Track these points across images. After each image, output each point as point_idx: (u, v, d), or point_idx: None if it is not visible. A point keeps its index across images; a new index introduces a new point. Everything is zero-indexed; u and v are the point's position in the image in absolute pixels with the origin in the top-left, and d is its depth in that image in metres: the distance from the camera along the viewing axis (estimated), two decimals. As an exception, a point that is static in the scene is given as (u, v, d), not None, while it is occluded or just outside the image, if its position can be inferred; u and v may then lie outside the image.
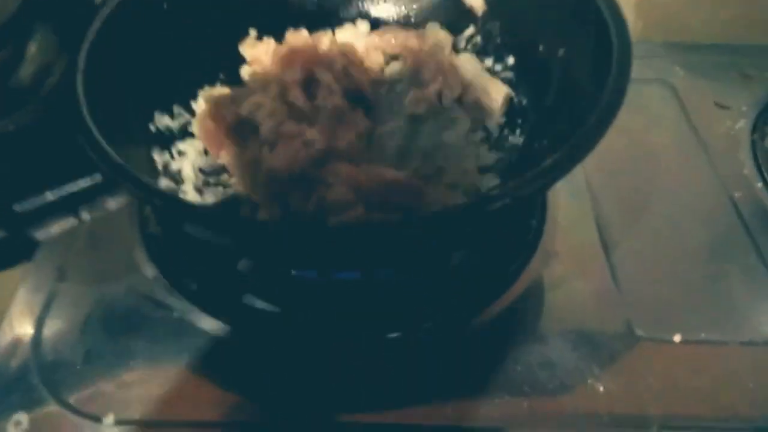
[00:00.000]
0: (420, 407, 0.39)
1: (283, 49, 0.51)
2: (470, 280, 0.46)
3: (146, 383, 0.41)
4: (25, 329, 0.44)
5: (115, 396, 0.40)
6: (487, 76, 0.52)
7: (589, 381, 0.40)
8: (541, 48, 0.48)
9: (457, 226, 0.34)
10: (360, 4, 0.58)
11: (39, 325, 0.44)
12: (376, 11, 0.58)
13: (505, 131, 0.50)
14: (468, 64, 0.52)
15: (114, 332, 0.44)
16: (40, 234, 0.42)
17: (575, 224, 0.49)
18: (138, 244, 0.49)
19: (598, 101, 0.37)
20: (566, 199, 0.50)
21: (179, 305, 0.45)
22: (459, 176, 0.46)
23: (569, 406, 0.39)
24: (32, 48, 0.51)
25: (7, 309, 0.45)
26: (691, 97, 0.59)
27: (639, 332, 0.42)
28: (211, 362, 0.42)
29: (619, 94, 0.36)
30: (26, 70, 0.50)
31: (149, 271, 0.47)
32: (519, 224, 0.48)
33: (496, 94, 0.49)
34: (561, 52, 0.46)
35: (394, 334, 0.43)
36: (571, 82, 0.44)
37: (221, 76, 0.54)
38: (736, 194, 0.51)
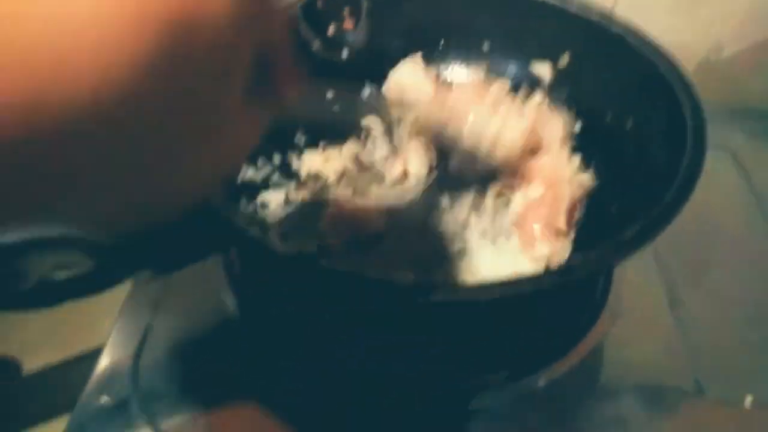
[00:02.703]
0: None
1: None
2: (542, 334, 0.47)
3: (237, 420, 0.43)
4: (125, 359, 0.47)
5: (207, 429, 0.43)
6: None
7: (659, 440, 0.41)
8: (608, 118, 0.51)
9: (534, 294, 0.35)
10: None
11: (137, 355, 0.47)
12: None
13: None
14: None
15: (204, 366, 0.47)
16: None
17: (641, 284, 0.50)
18: (224, 283, 0.52)
19: (674, 175, 0.39)
20: (632, 259, 0.51)
21: (264, 345, 0.48)
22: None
23: (640, 464, 0.40)
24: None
25: (108, 339, 0.48)
26: (752, 162, 0.61)
27: (709, 393, 0.43)
28: (299, 404, 0.45)
29: (696, 168, 0.39)
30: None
31: (233, 308, 0.50)
32: (587, 283, 0.50)
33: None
34: (629, 123, 0.49)
35: (462, 386, 0.45)
36: (641, 152, 0.47)
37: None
38: (799, 260, 0.52)
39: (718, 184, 0.59)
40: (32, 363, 0.70)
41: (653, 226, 0.36)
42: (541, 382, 0.44)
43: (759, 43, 0.68)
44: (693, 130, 0.40)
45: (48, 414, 0.53)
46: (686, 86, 0.43)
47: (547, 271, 0.36)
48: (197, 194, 0.23)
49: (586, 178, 0.50)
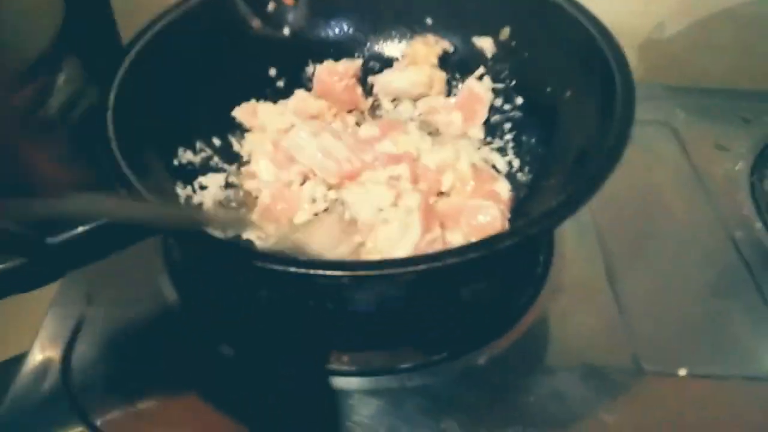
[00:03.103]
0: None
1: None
2: (482, 312, 0.47)
3: (171, 409, 0.42)
4: (55, 353, 0.45)
5: (142, 420, 0.42)
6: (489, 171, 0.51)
7: (598, 413, 0.41)
8: (548, 90, 0.51)
9: (466, 264, 0.34)
10: (372, 46, 0.61)
11: (68, 349, 0.45)
12: (389, 51, 0.61)
13: (514, 168, 0.52)
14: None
15: (139, 357, 0.45)
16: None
17: (582, 259, 0.50)
18: (161, 270, 0.50)
19: (602, 146, 0.39)
20: (573, 234, 0.52)
21: (201, 331, 0.47)
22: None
23: (579, 438, 0.40)
24: (61, 80, 0.53)
25: (37, 333, 0.46)
26: (692, 138, 0.62)
27: (645, 366, 0.44)
28: (236, 391, 0.44)
29: (622, 140, 0.38)
30: (55, 101, 0.53)
31: (172, 296, 0.49)
32: (527, 259, 0.50)
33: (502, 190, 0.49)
34: (568, 94, 0.49)
35: (406, 365, 0.44)
36: (577, 123, 0.47)
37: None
38: (737, 234, 0.52)
39: (659, 160, 0.59)
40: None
41: (578, 195, 0.35)
42: (482, 359, 0.44)
43: (699, 21, 0.68)
44: (623, 99, 0.40)
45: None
46: (618, 55, 0.43)
47: (473, 243, 0.35)
48: None
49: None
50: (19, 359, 0.46)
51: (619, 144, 0.37)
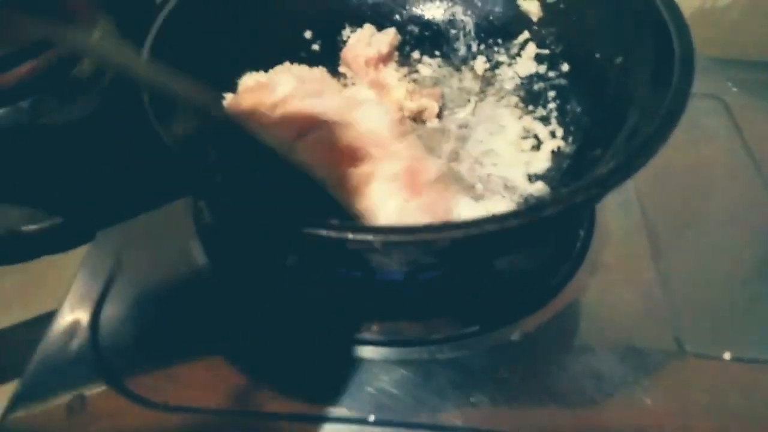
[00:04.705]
0: (464, 412, 0.39)
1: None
2: (517, 287, 0.46)
3: (198, 371, 0.42)
4: (84, 312, 0.45)
5: (168, 381, 0.41)
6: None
7: (636, 394, 0.39)
8: (597, 56, 0.49)
9: (506, 232, 0.33)
10: (411, 8, 0.59)
11: (97, 309, 0.45)
12: (429, 14, 0.59)
13: (557, 138, 0.50)
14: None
15: (167, 319, 0.45)
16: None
17: (625, 236, 0.48)
18: (192, 234, 0.50)
19: (657, 109, 0.37)
20: (615, 210, 0.50)
21: (231, 296, 0.46)
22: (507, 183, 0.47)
23: (616, 418, 0.39)
24: (94, 39, 0.53)
25: (67, 292, 0.46)
26: (744, 113, 0.58)
27: (688, 348, 0.42)
28: (263, 355, 0.43)
29: (681, 102, 0.36)
30: (88, 61, 0.52)
31: (202, 260, 0.48)
32: (567, 233, 0.48)
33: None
34: (618, 60, 0.46)
35: (438, 336, 0.43)
36: (627, 90, 0.44)
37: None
38: (788, 214, 0.50)
39: (708, 135, 0.57)
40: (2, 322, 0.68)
41: (629, 163, 0.33)
42: (515, 334, 0.43)
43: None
44: (681, 61, 0.38)
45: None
46: (677, 18, 0.41)
47: (515, 210, 0.34)
48: None
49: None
50: (47, 317, 0.46)
51: (677, 108, 0.35)
